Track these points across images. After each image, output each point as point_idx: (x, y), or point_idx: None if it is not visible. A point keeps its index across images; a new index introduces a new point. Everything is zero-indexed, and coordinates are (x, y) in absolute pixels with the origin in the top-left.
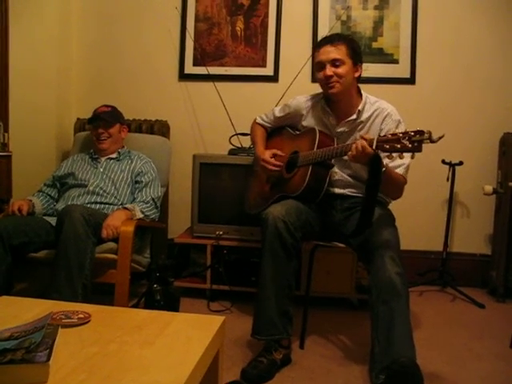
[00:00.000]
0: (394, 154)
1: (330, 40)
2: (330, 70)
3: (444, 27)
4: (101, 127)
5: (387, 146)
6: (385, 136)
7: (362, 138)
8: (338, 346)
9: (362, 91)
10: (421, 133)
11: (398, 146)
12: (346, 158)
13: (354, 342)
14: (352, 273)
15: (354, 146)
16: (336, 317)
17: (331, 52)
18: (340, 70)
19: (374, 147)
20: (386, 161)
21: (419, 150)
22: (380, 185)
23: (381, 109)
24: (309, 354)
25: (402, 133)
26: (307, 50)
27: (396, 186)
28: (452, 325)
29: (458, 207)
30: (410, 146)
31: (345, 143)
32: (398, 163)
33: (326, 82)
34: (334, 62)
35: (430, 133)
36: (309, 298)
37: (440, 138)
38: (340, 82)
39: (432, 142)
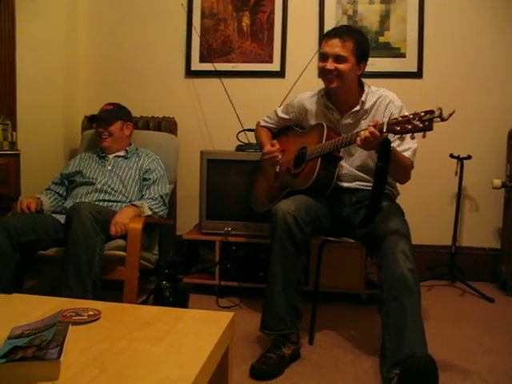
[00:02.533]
0: (410, 142)
1: (340, 33)
2: (331, 64)
3: (451, 20)
4: (101, 126)
5: (398, 128)
6: (395, 119)
7: (371, 125)
8: (348, 341)
9: (364, 83)
10: (431, 112)
11: (409, 126)
12: (355, 144)
13: (364, 337)
14: (361, 268)
15: (362, 132)
16: (345, 312)
17: (337, 47)
18: (341, 67)
19: (384, 130)
20: (395, 144)
21: (430, 128)
22: (389, 168)
23: (383, 96)
24: (318, 350)
25: (412, 114)
26: (314, 45)
27: (403, 168)
28: (461, 319)
29: (466, 201)
30: (421, 125)
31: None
32: (405, 147)
33: (324, 74)
34: (338, 58)
35: (440, 110)
36: (318, 293)
37: (450, 114)
38: (339, 78)
39: (442, 119)
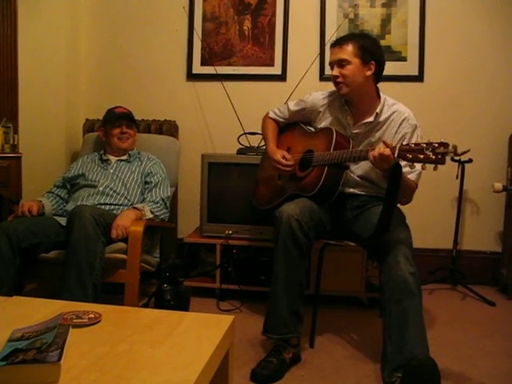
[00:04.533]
0: (416, 164)
1: (340, 41)
2: (335, 71)
3: (452, 24)
4: (125, 126)
5: (410, 156)
6: (407, 145)
7: (384, 143)
8: (348, 344)
9: (381, 93)
10: (445, 145)
11: (421, 156)
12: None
13: (364, 341)
14: (362, 271)
15: (376, 149)
16: (346, 315)
17: (338, 53)
18: (344, 71)
19: (395, 155)
20: (405, 169)
21: (442, 162)
22: (399, 192)
23: (398, 112)
24: (319, 353)
25: (425, 143)
26: (315, 48)
27: (407, 191)
28: (463, 323)
29: (467, 205)
30: (433, 157)
31: (360, 146)
32: (411, 169)
33: (334, 82)
34: (340, 63)
35: (455, 147)
36: (318, 296)
37: (464, 152)
38: (346, 82)
39: (456, 155)
